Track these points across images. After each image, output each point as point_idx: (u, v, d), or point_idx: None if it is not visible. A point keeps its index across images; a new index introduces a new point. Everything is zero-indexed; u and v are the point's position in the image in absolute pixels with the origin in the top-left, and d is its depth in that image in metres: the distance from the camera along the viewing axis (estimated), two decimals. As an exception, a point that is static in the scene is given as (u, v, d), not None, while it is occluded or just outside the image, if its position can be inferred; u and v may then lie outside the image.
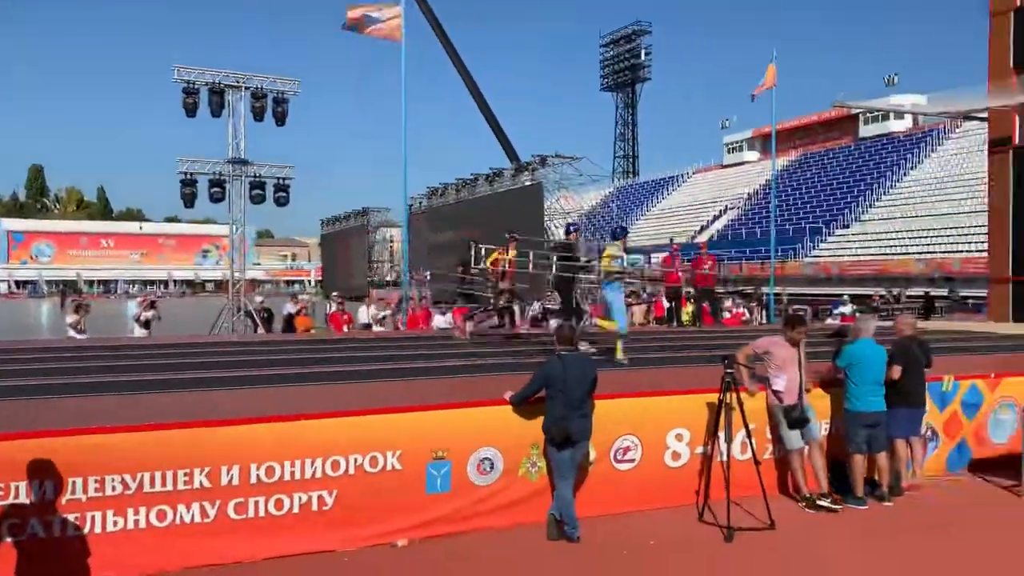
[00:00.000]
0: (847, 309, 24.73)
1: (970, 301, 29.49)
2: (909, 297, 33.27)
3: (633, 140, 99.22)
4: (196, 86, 21.89)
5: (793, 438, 7.42)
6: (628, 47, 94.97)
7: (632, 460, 7.28)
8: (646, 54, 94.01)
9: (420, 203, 40.33)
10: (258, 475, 6.06)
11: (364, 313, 19.04)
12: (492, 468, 6.76)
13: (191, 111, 21.81)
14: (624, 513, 7.08)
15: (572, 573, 6.04)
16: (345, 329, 17.73)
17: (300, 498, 6.17)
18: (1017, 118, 17.80)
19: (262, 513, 6.08)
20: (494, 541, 6.50)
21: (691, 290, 18.72)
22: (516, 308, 13.92)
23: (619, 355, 9.82)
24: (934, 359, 8.34)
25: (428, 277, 26.47)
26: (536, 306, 18.86)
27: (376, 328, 17.10)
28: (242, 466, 6.01)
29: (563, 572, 6.05)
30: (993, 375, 9.08)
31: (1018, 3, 17.51)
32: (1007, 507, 7.71)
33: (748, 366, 7.67)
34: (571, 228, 11.14)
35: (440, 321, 18.57)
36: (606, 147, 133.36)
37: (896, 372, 7.56)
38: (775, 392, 7.44)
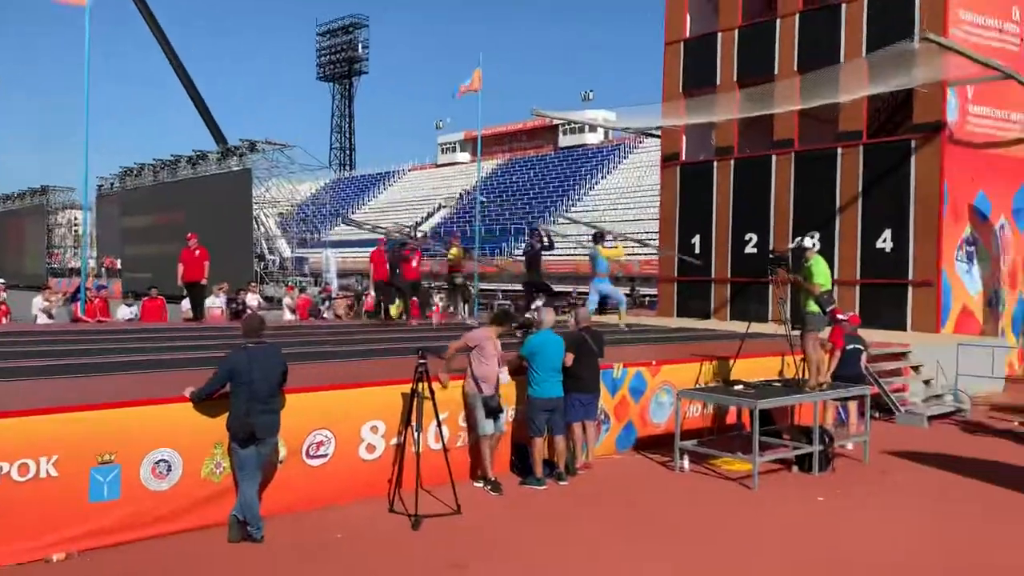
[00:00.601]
0: (540, 303, 26.35)
1: (647, 299, 32.92)
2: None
3: (350, 133, 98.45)
4: None
5: (488, 425, 7.78)
6: (346, 39, 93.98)
7: (325, 455, 7.18)
8: (364, 47, 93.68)
9: (112, 184, 36.70)
10: None
11: (37, 304, 16.90)
12: (170, 470, 6.31)
13: None
14: (318, 509, 6.97)
15: (249, 575, 5.82)
16: (4, 320, 15.57)
17: (-73, 516, 5.32)
18: (685, 137, 20.20)
19: None
20: (167, 548, 6.07)
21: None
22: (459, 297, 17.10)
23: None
24: (610, 350, 9.18)
25: (119, 265, 24.14)
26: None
27: (43, 320, 15.19)
28: None
29: (239, 575, 5.81)
30: (655, 363, 10.20)
31: (687, 35, 19.85)
32: (663, 480, 8.70)
33: (448, 358, 7.94)
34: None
35: (126, 313, 17.01)
36: (322, 138, 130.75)
37: (569, 359, 8.21)
38: (476, 381, 7.73)
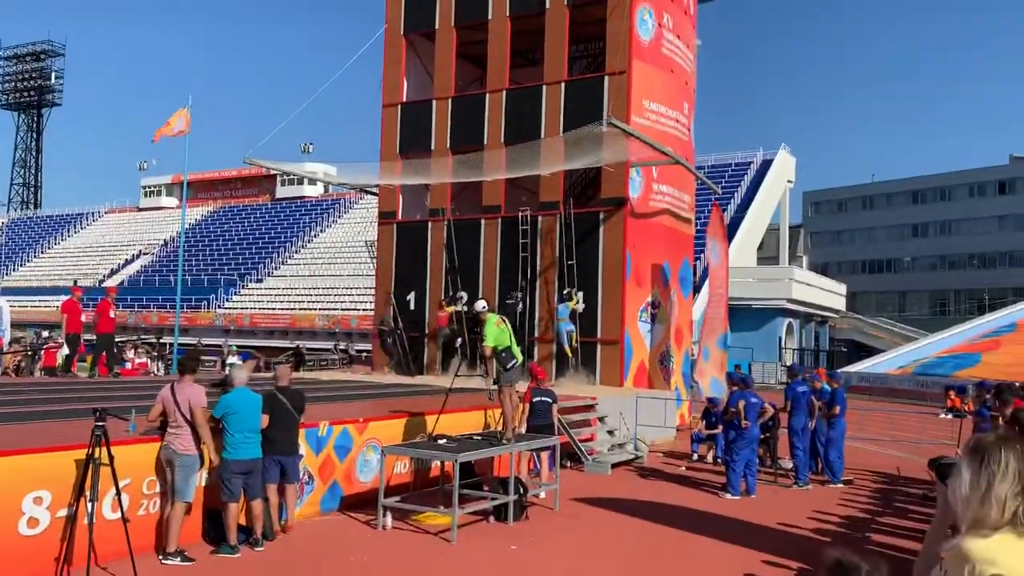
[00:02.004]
0: (235, 359, 25.14)
1: (363, 354, 32.84)
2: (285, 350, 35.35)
3: (36, 168, 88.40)
4: None
5: (193, 490, 7.30)
6: (36, 65, 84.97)
7: (-27, 533, 6.25)
8: (57, 77, 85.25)
9: None
10: None
11: None
12: None
13: None
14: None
15: None
16: None
17: None
18: (401, 196, 20.68)
19: None
20: None
21: (92, 337, 17.20)
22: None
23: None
24: (318, 407, 9.00)
25: None
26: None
27: None
28: None
29: None
30: (362, 419, 10.18)
31: (404, 99, 20.50)
32: (364, 539, 8.62)
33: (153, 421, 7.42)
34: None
35: None
36: (2, 172, 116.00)
37: (264, 421, 7.95)
38: (185, 442, 7.24)
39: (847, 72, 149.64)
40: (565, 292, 17.49)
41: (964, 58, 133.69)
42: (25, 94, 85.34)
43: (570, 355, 17.18)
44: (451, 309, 18.51)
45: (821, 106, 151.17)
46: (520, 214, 18.44)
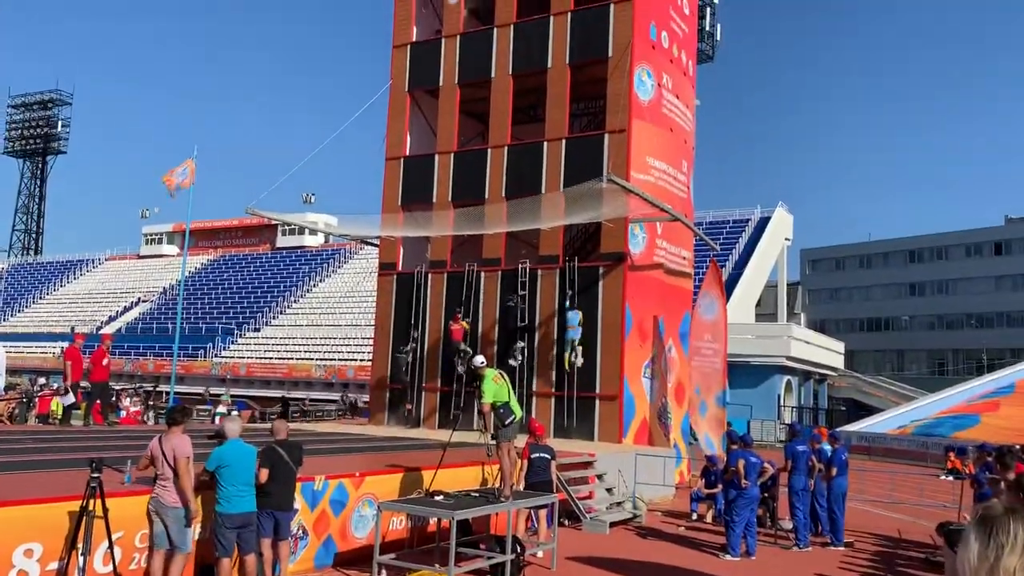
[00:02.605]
0: (223, 409, 25.04)
1: (361, 406, 32.64)
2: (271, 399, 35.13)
3: (39, 215, 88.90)
4: None
5: (190, 542, 7.22)
6: (43, 114, 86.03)
7: (-39, 586, 6.15)
8: (64, 125, 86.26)
9: None
10: None
11: None
12: None
13: None
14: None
15: None
16: None
17: None
18: (401, 248, 20.80)
19: None
20: None
21: (87, 384, 17.12)
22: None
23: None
24: (314, 460, 8.91)
25: None
26: None
27: None
28: None
29: None
30: (358, 474, 10.07)
31: (407, 153, 20.75)
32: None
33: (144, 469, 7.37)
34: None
35: None
36: (4, 218, 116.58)
37: (264, 475, 7.87)
38: (173, 494, 7.18)
39: (844, 133, 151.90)
40: (568, 299, 17.66)
41: (961, 121, 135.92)
42: (31, 141, 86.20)
43: (567, 368, 17.36)
44: (464, 324, 18.57)
45: (819, 166, 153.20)
46: (520, 267, 18.52)
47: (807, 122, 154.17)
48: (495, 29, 19.76)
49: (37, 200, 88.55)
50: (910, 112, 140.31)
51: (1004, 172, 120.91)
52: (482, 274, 19.17)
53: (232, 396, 32.46)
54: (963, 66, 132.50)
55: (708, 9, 56.48)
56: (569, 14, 18.83)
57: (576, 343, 17.26)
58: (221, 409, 24.97)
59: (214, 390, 37.67)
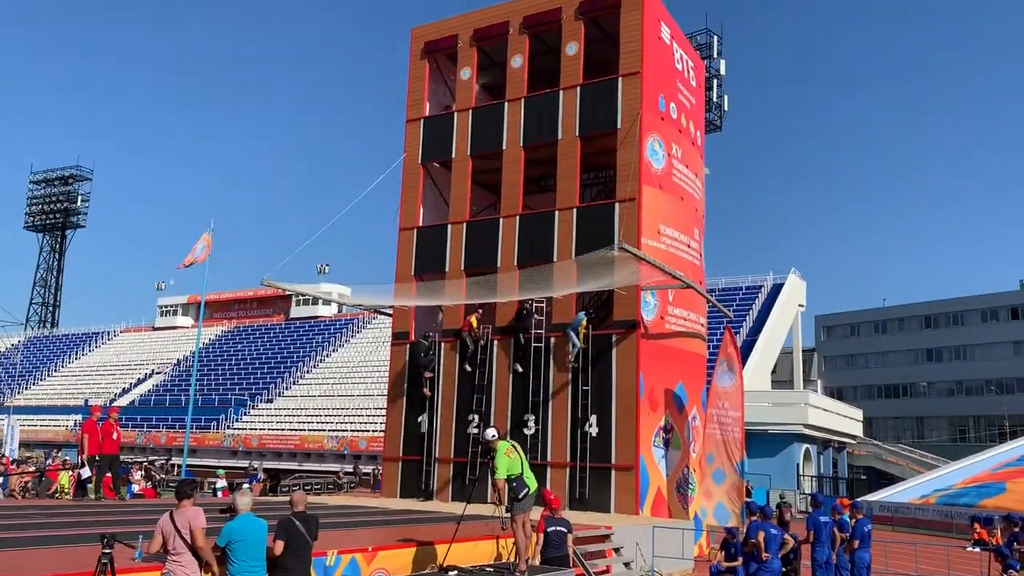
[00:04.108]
0: (222, 483, 24.73)
1: (375, 470, 32.22)
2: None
3: (56, 288, 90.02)
4: None
5: None
6: (63, 189, 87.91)
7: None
8: (83, 200, 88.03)
9: None
10: None
11: None
12: None
13: None
14: None
15: None
16: None
17: None
18: (414, 317, 20.83)
19: None
20: None
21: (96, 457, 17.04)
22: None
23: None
24: (325, 534, 8.77)
25: None
26: None
27: None
28: None
29: None
30: (371, 548, 9.90)
31: (420, 223, 20.98)
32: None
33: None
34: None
35: None
36: (23, 291, 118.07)
37: (278, 548, 7.73)
38: (186, 569, 7.08)
39: (854, 200, 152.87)
40: (579, 317, 17.86)
41: (973, 187, 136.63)
42: (51, 216, 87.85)
43: (570, 357, 17.70)
44: (473, 319, 19.04)
45: (832, 232, 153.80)
46: (533, 335, 18.50)
47: (816, 188, 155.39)
48: (506, 103, 20.18)
49: (55, 273, 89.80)
50: (920, 177, 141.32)
51: (1018, 236, 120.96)
52: (494, 342, 19.14)
53: (253, 466, 32.08)
54: (969, 135, 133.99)
55: (715, 80, 57.63)
56: (578, 88, 19.23)
57: (576, 336, 17.52)
58: (220, 483, 24.67)
59: (240, 463, 37.35)
